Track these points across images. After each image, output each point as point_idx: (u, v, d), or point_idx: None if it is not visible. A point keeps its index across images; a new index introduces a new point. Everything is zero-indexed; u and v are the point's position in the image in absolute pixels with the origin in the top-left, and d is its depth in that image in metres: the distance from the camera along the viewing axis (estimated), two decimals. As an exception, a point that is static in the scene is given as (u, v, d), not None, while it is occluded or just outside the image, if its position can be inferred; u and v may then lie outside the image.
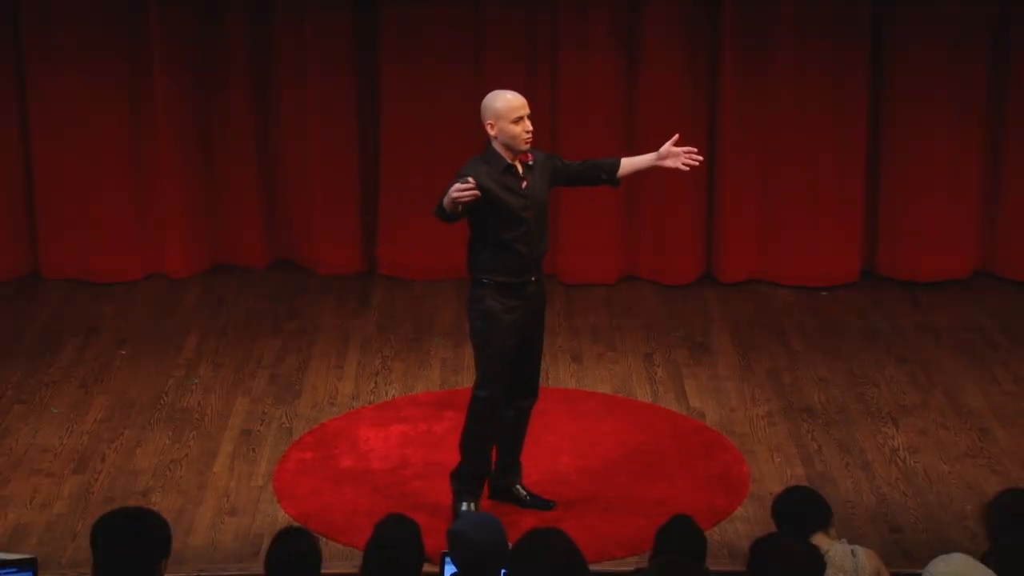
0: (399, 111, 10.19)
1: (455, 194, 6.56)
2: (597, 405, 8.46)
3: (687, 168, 7.07)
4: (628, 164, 7.11)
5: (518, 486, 7.28)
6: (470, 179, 6.60)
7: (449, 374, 8.90)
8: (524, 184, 6.84)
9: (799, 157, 10.13)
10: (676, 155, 7.04)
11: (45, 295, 10.10)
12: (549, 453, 7.72)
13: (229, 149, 10.33)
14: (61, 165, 10.16)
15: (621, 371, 8.88)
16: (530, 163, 6.90)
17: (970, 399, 8.56)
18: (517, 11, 10.03)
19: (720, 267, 10.34)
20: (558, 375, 8.82)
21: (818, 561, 5.00)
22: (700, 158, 7.07)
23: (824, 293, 10.14)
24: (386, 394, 8.64)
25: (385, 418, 8.31)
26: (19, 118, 10.16)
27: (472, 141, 10.15)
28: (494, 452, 7.21)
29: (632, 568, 6.08)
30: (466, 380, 8.80)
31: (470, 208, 6.69)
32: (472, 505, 7.12)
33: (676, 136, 7.09)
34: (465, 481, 7.14)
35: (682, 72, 10.02)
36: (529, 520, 7.04)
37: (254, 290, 10.19)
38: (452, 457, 7.84)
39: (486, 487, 7.24)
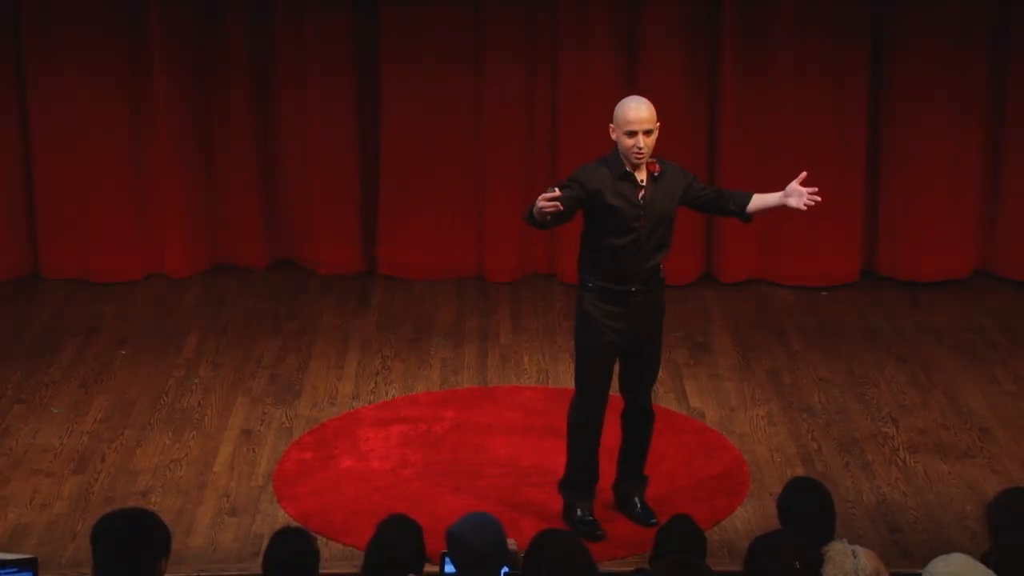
0: (399, 111, 10.19)
1: (540, 204, 6.48)
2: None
3: (806, 208, 6.87)
4: (758, 201, 6.93)
5: (635, 498, 7.20)
6: (556, 189, 6.51)
7: (449, 374, 8.90)
8: (641, 194, 6.76)
9: (799, 157, 10.10)
10: (800, 194, 6.85)
11: (45, 295, 10.09)
12: (556, 454, 7.71)
13: (229, 149, 10.33)
14: (61, 165, 10.16)
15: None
16: (656, 173, 6.79)
17: (970, 399, 8.56)
18: (517, 11, 10.02)
19: (720, 267, 10.34)
20: (558, 375, 8.81)
21: (815, 561, 5.00)
22: (819, 198, 6.85)
23: (824, 293, 10.14)
24: (386, 394, 8.64)
25: (385, 418, 8.31)
26: (19, 118, 10.15)
27: (472, 141, 10.22)
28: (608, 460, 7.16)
29: (632, 568, 6.08)
30: (466, 380, 8.81)
31: (575, 209, 6.66)
32: (583, 511, 7.07)
33: (803, 174, 6.88)
34: (572, 488, 7.13)
35: (682, 72, 10.02)
36: (528, 521, 7.05)
37: (254, 290, 10.19)
38: (452, 457, 7.85)
39: (611, 494, 7.24)
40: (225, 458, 7.88)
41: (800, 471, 7.67)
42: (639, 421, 7.14)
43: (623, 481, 7.25)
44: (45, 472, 7.73)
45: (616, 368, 7.02)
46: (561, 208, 6.49)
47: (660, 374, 8.79)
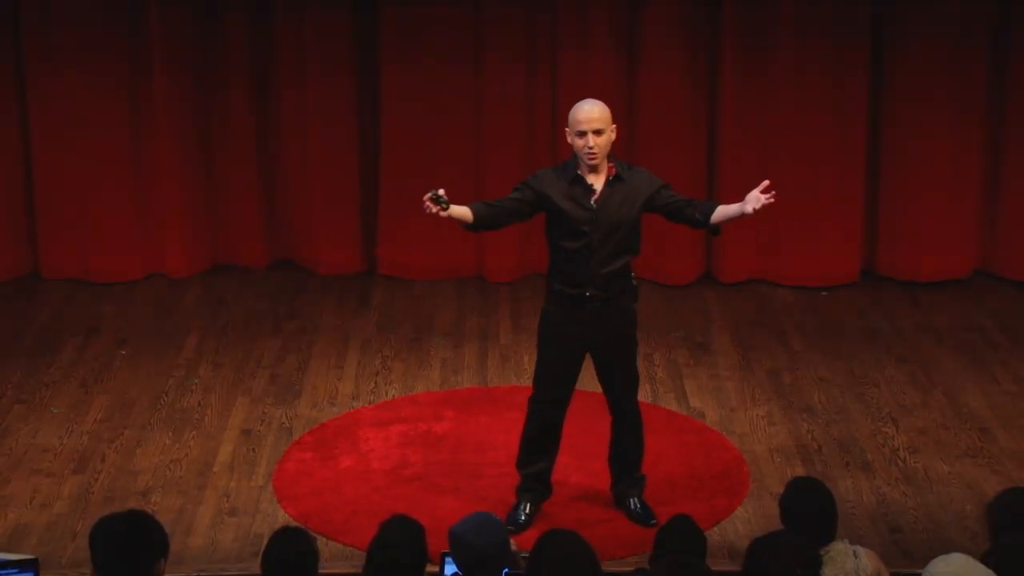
0: (399, 111, 10.19)
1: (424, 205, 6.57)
2: (597, 405, 8.44)
3: (756, 211, 6.70)
4: (722, 212, 6.78)
5: (633, 499, 7.22)
6: (440, 191, 6.58)
7: (449, 374, 8.90)
8: (593, 198, 6.77)
9: (799, 157, 10.13)
10: (757, 200, 6.68)
11: (45, 295, 10.09)
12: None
13: (229, 149, 10.32)
14: (61, 165, 10.16)
15: (621, 371, 8.87)
16: (611, 177, 6.79)
17: (970, 399, 8.56)
18: (517, 11, 10.02)
19: (720, 267, 10.34)
20: (558, 375, 8.81)
21: (814, 562, 5.00)
22: (773, 200, 6.70)
23: (824, 293, 10.14)
24: (386, 394, 8.64)
25: (385, 418, 8.31)
26: (19, 118, 10.15)
27: (472, 141, 10.22)
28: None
29: (632, 568, 6.09)
30: (466, 380, 8.81)
31: (525, 212, 6.79)
32: (526, 506, 7.12)
33: (765, 183, 6.74)
34: (521, 480, 7.19)
35: (682, 72, 10.02)
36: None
37: (254, 290, 10.19)
38: (452, 457, 7.85)
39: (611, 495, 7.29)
40: (225, 458, 7.88)
41: (800, 471, 7.67)
42: (622, 425, 7.17)
43: (619, 482, 7.27)
44: (45, 472, 7.73)
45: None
46: (433, 211, 6.55)
47: (660, 374, 8.86)
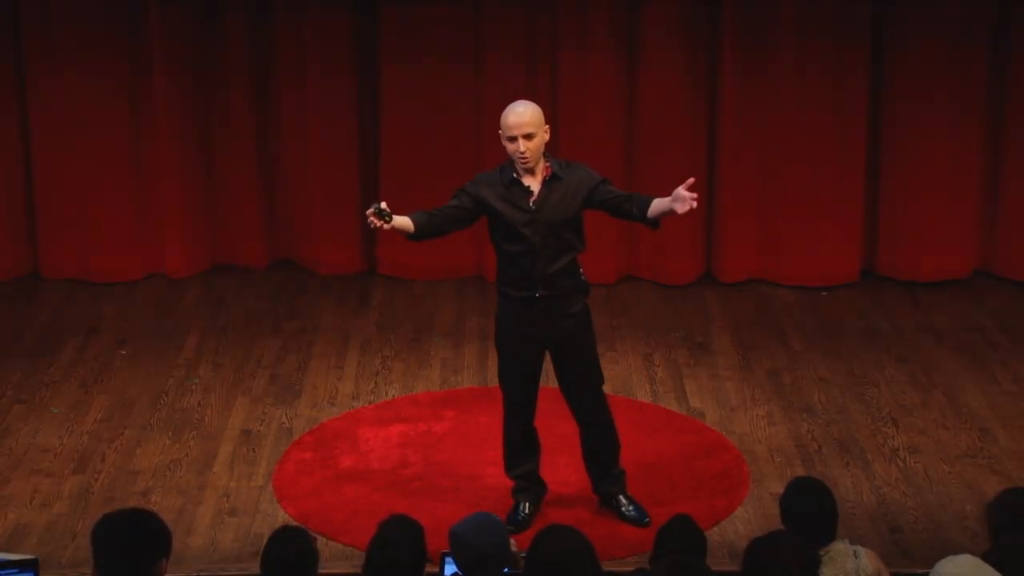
0: (399, 111, 10.19)
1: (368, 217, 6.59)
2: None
3: (686, 212, 6.66)
4: (656, 206, 6.71)
5: (620, 496, 7.21)
6: (383, 204, 6.59)
7: (449, 374, 8.90)
8: (532, 199, 6.77)
9: (799, 157, 10.13)
10: (683, 199, 6.61)
11: (45, 295, 10.09)
12: (549, 453, 7.69)
13: (229, 149, 10.33)
14: (61, 165, 10.16)
15: (621, 371, 8.87)
16: (547, 177, 6.78)
17: (970, 399, 8.56)
18: (517, 11, 10.02)
19: (720, 267, 10.34)
20: (558, 375, 8.82)
21: (812, 561, 4.99)
22: (695, 204, 6.63)
23: (824, 293, 10.14)
24: (386, 394, 8.64)
25: (385, 418, 8.31)
26: (19, 118, 10.15)
27: (472, 141, 10.22)
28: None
29: (632, 568, 6.08)
30: (466, 380, 8.82)
31: (467, 218, 6.82)
32: (525, 506, 7.14)
33: (690, 180, 6.68)
34: (514, 483, 7.23)
35: (682, 72, 10.02)
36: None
37: (254, 290, 10.19)
38: (452, 457, 7.85)
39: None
40: (225, 458, 7.88)
41: (800, 471, 7.66)
42: (590, 427, 7.15)
43: (599, 483, 7.25)
44: (45, 472, 7.73)
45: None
46: (376, 224, 6.55)
47: (660, 374, 8.86)
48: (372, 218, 6.59)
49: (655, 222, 6.81)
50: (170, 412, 8.39)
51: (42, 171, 10.21)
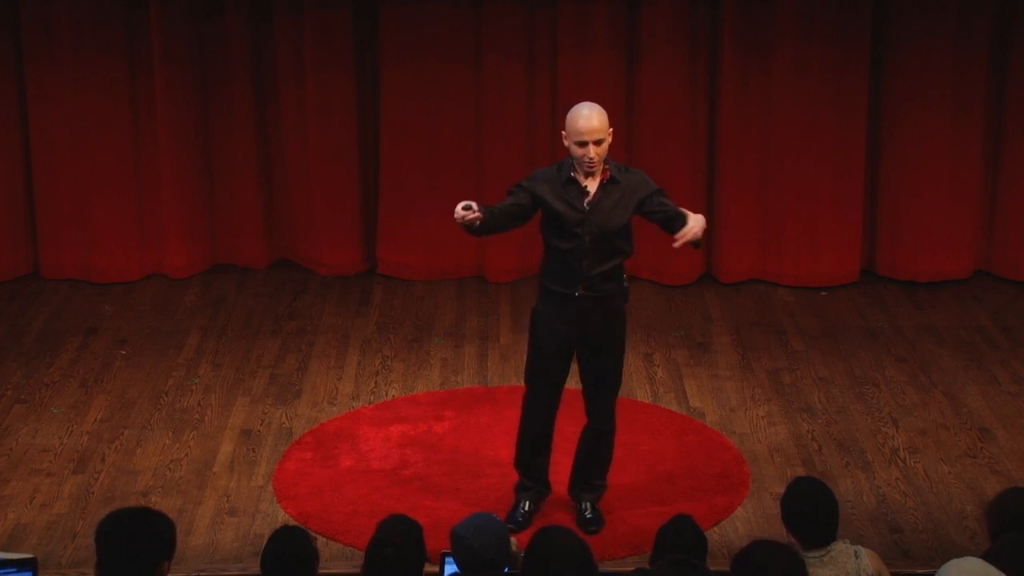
0: (399, 111, 10.19)
1: (458, 215, 6.52)
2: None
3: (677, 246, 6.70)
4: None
5: (585, 503, 7.18)
6: (473, 205, 6.54)
7: (449, 374, 8.90)
8: (587, 200, 6.74)
9: (799, 157, 10.13)
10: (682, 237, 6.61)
11: (45, 295, 10.09)
12: (552, 453, 7.71)
13: (229, 149, 10.32)
14: (61, 165, 10.16)
15: (621, 371, 8.87)
16: (605, 180, 6.74)
17: (970, 399, 8.56)
18: (517, 11, 10.02)
19: (720, 267, 10.34)
20: (558, 375, 8.81)
21: (799, 566, 4.97)
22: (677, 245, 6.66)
23: (824, 293, 10.14)
24: (386, 394, 8.64)
25: (385, 418, 8.31)
26: (19, 118, 10.15)
27: (472, 141, 10.21)
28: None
29: (632, 568, 6.08)
30: (466, 380, 8.81)
31: (524, 215, 6.78)
32: (525, 504, 7.13)
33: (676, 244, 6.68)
34: (520, 479, 7.21)
35: (682, 72, 10.02)
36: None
37: (254, 290, 10.19)
38: (452, 457, 7.85)
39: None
40: (225, 458, 7.88)
41: (800, 471, 7.67)
42: (591, 434, 7.13)
43: (577, 484, 7.23)
44: (45, 472, 7.73)
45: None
46: (480, 223, 6.52)
47: (660, 374, 8.86)
48: (463, 213, 6.49)
49: (697, 242, 6.72)
50: (170, 412, 8.39)
51: (42, 171, 10.21)
